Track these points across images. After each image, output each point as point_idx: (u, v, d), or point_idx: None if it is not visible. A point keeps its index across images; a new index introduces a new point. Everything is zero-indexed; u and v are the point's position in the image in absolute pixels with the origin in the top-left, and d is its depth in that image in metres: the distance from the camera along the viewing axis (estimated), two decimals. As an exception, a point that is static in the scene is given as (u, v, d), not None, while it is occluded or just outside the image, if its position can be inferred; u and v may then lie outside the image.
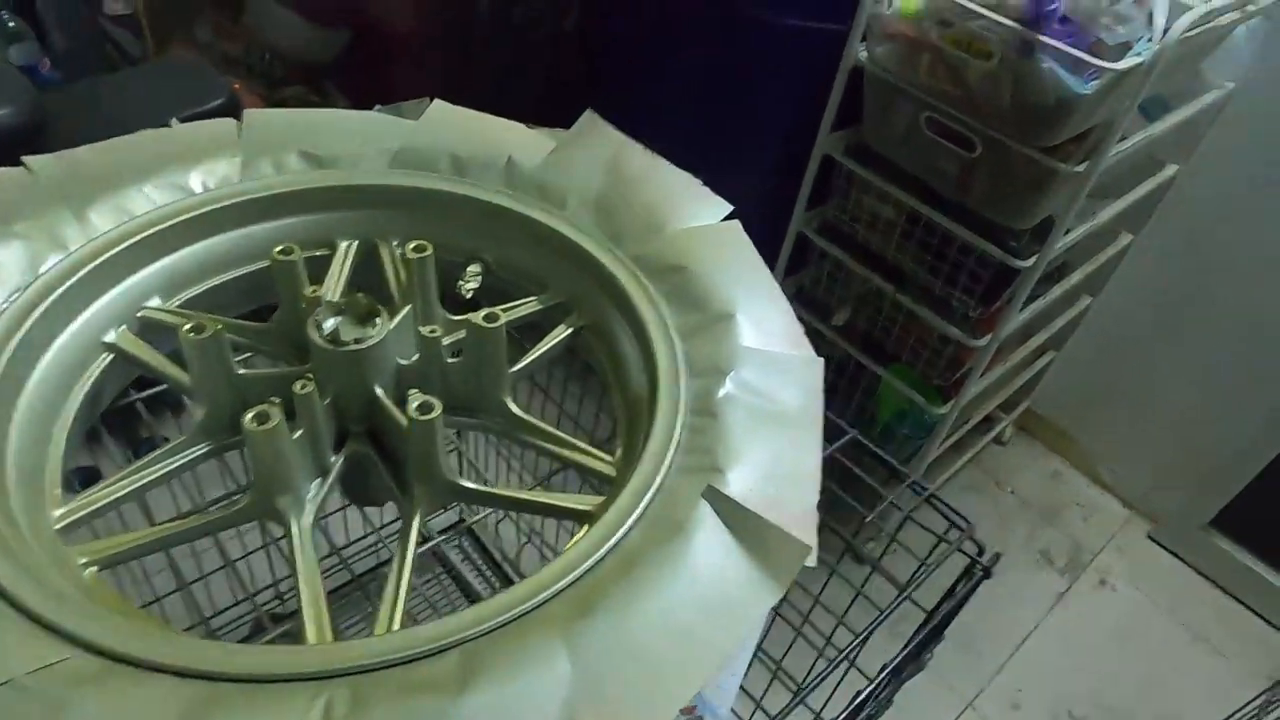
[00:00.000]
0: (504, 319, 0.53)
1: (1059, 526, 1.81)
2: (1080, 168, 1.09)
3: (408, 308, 0.53)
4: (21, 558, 0.40)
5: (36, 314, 0.50)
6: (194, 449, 0.50)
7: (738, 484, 0.45)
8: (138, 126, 0.63)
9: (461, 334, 0.59)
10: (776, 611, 0.71)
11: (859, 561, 0.83)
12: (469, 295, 0.64)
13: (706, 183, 1.65)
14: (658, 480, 0.45)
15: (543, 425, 0.55)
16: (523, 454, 1.16)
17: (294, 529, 0.47)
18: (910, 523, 0.72)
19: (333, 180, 0.63)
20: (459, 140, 0.67)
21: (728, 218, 0.64)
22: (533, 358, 0.58)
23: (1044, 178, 1.12)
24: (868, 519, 0.73)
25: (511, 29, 1.58)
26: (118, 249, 0.55)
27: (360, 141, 0.66)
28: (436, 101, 0.71)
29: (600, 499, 0.48)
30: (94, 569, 0.44)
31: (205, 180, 0.61)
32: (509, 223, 0.63)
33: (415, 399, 0.46)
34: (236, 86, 1.56)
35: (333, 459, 0.51)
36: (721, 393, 0.51)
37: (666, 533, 0.43)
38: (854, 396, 1.60)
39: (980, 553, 0.67)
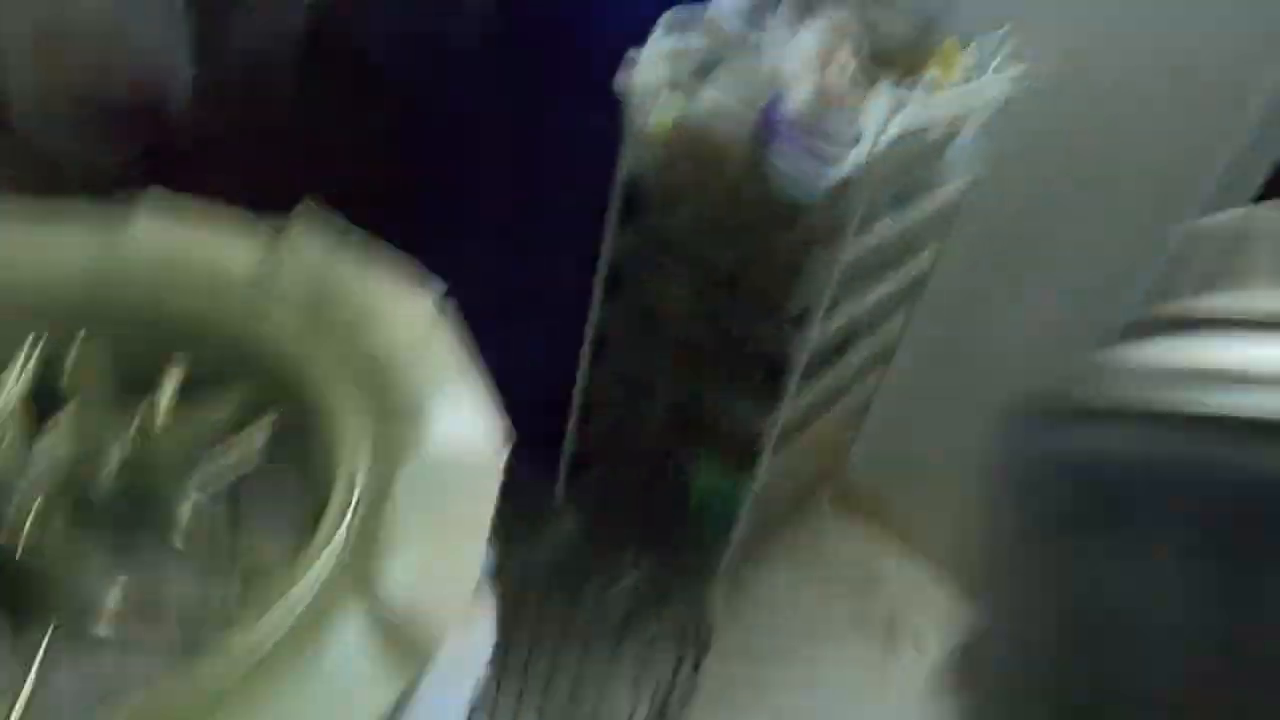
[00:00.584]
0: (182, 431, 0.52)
1: (879, 598, 1.89)
2: (826, 257, 1.20)
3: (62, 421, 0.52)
4: None
5: None
6: None
7: (388, 586, 0.46)
8: None
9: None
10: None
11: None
12: (164, 402, 0.63)
13: (514, 281, 1.67)
14: (311, 576, 0.45)
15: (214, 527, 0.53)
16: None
17: None
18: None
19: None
20: (166, 249, 0.67)
21: (436, 307, 0.66)
22: (221, 465, 0.57)
23: (792, 268, 1.22)
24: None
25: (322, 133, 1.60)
26: None
27: (52, 252, 0.64)
28: (150, 205, 0.70)
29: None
30: None
31: None
32: (203, 329, 0.63)
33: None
34: None
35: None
36: (395, 489, 0.51)
37: (304, 636, 0.43)
38: (666, 478, 1.64)
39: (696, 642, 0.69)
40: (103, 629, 0.47)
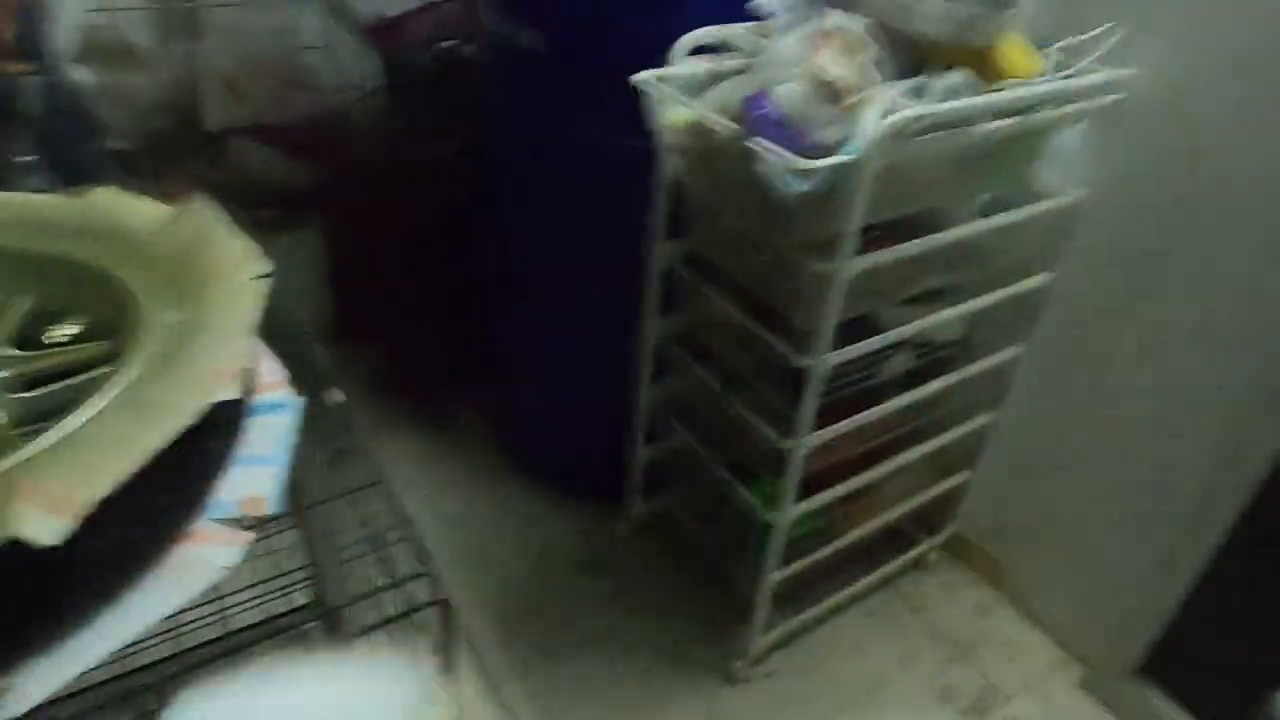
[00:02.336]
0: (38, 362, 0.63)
1: (973, 664, 1.66)
2: (827, 267, 1.10)
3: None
4: None
5: None
6: None
7: (34, 474, 0.52)
8: None
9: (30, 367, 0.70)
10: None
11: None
12: (47, 342, 0.75)
13: (574, 294, 1.74)
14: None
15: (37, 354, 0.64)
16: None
17: None
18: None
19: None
20: (94, 216, 0.80)
21: (264, 275, 0.72)
22: (41, 392, 0.67)
23: (802, 276, 1.14)
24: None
25: (411, 160, 1.79)
26: None
27: (17, 213, 0.80)
28: (104, 189, 0.85)
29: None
30: None
31: None
32: (96, 281, 0.75)
33: None
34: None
35: None
36: (113, 408, 0.58)
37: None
38: (724, 508, 1.58)
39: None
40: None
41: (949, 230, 1.22)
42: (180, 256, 0.75)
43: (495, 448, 2.07)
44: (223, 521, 0.67)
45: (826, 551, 1.55)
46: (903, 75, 1.17)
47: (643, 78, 1.22)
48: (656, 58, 1.29)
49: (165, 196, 1.84)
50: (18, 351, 0.71)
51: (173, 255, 0.75)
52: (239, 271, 0.72)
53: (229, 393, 0.61)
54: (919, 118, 1.02)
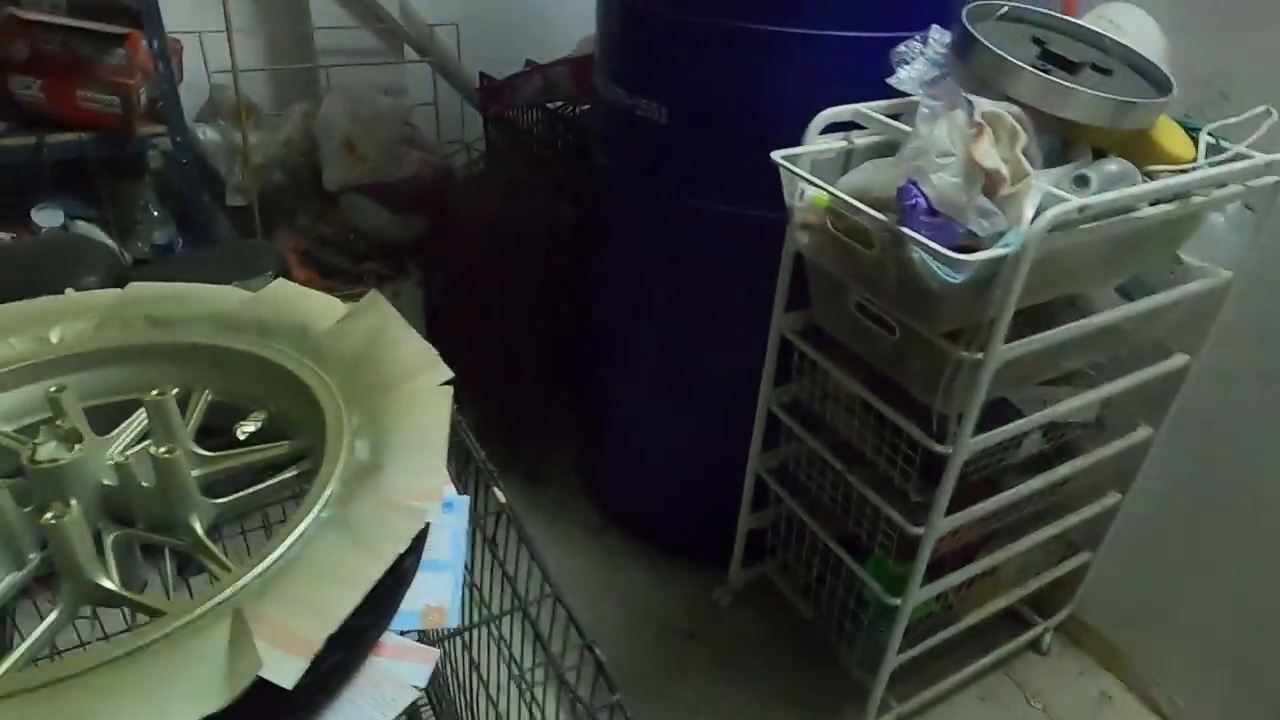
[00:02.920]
0: (225, 463, 0.65)
1: (1095, 759, 1.57)
2: (974, 355, 1.07)
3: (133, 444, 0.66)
4: None
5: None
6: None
7: (267, 607, 0.52)
8: None
9: (218, 466, 0.71)
10: None
11: None
12: (242, 437, 0.76)
13: (685, 359, 1.74)
14: (214, 600, 0.53)
15: (216, 552, 0.64)
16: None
17: (-38, 610, 0.58)
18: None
19: (154, 338, 0.79)
20: (272, 310, 0.82)
21: (447, 383, 0.72)
22: (238, 496, 0.68)
23: (946, 363, 1.11)
24: None
25: (520, 218, 1.80)
26: (-35, 384, 0.72)
27: (196, 308, 0.82)
28: (279, 280, 0.87)
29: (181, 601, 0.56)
30: None
31: (63, 333, 0.79)
32: (281, 378, 0.76)
33: (52, 509, 0.57)
34: (296, 260, 1.87)
35: (32, 556, 0.62)
36: (323, 528, 0.58)
37: (187, 636, 0.50)
38: (836, 582, 1.54)
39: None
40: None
41: (1097, 315, 1.17)
42: (358, 357, 0.76)
43: (591, 505, 2.06)
44: (407, 634, 0.67)
45: (946, 635, 1.49)
46: (1049, 157, 1.14)
47: (780, 157, 1.21)
48: (782, 131, 1.28)
49: (281, 250, 1.87)
50: (206, 452, 0.72)
51: (351, 355, 0.76)
52: (422, 378, 0.73)
53: (436, 512, 0.61)
54: (1082, 209, 0.99)
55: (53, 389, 0.69)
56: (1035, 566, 1.61)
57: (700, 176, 1.47)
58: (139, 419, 0.75)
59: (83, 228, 1.93)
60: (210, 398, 0.79)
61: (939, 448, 1.16)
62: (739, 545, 1.74)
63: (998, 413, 1.23)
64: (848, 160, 1.30)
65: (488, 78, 2.18)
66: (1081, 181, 1.03)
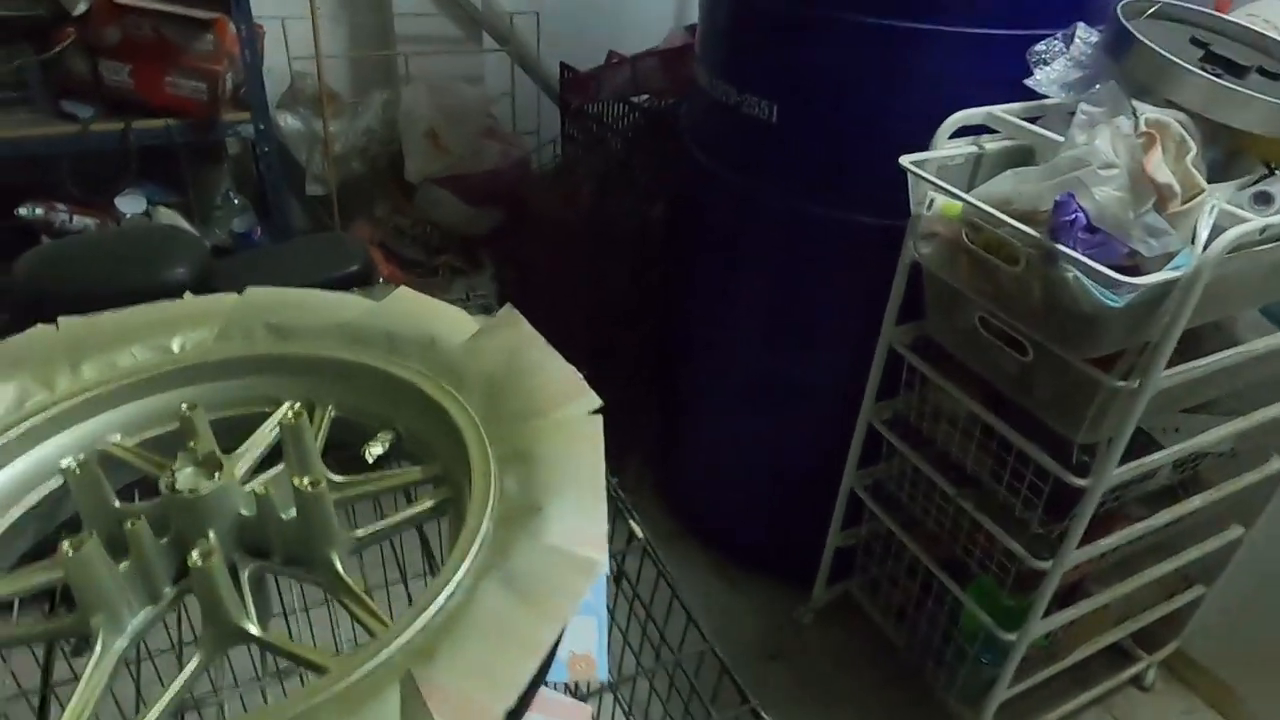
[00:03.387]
0: (354, 488, 0.60)
1: (1205, 805, 1.48)
2: (1130, 384, 0.99)
3: (270, 471, 0.62)
4: None
5: (3, 440, 0.64)
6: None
7: (439, 672, 0.47)
8: (289, 284, 0.79)
9: (349, 493, 0.67)
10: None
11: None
12: (371, 459, 0.71)
13: (778, 368, 1.67)
14: (377, 659, 0.48)
15: (356, 589, 0.59)
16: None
17: (100, 646, 0.54)
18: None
19: (278, 350, 0.74)
20: (400, 322, 0.77)
21: (597, 411, 0.67)
22: (376, 528, 0.63)
23: (1094, 391, 1.03)
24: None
25: (606, 214, 1.74)
26: (90, 394, 0.69)
27: (319, 318, 0.78)
28: (401, 289, 0.82)
29: (342, 656, 0.51)
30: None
31: (184, 343, 0.74)
32: (412, 397, 0.71)
33: (198, 548, 0.53)
34: (379, 254, 1.84)
35: (168, 590, 0.58)
36: (486, 580, 0.52)
37: (358, 699, 0.46)
38: (931, 606, 1.47)
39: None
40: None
41: (1256, 340, 1.08)
42: (497, 379, 0.70)
43: (663, 511, 2.00)
44: (557, 687, 0.61)
45: (1054, 669, 1.41)
46: (1213, 170, 1.05)
47: (910, 161, 1.13)
48: (901, 135, 1.21)
49: (358, 239, 1.83)
50: (337, 477, 0.68)
51: (488, 376, 0.71)
52: (570, 405, 0.67)
53: (605, 564, 0.55)
54: (1264, 230, 0.90)
55: (185, 408, 0.65)
56: (1145, 599, 1.52)
57: (808, 179, 1.39)
58: (264, 436, 0.71)
59: (164, 214, 1.92)
60: (334, 414, 0.74)
61: (1078, 480, 1.08)
62: (826, 562, 1.67)
63: (1134, 442, 1.15)
64: (975, 167, 1.22)
65: (570, 69, 2.13)
66: (1263, 199, 0.94)
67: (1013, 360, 1.14)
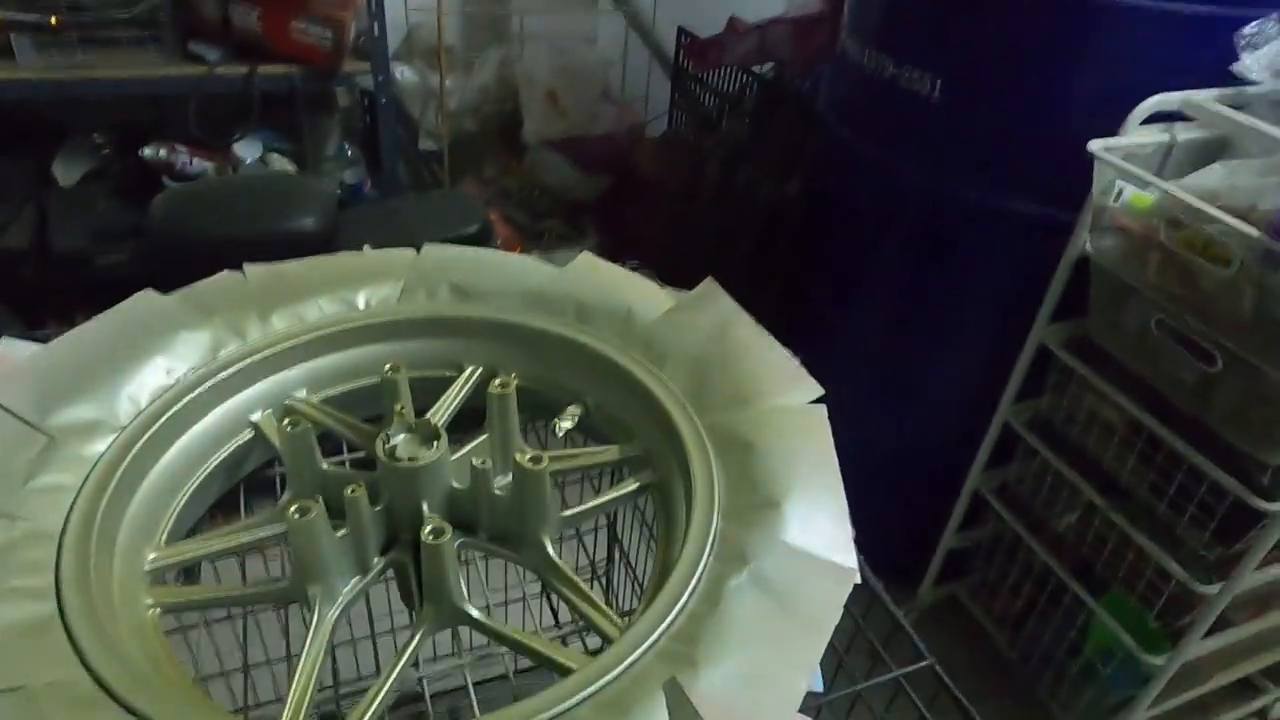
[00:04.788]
0: (557, 464, 0.56)
1: None
2: (1346, 404, 0.90)
3: (474, 441, 0.58)
4: (96, 591, 0.48)
5: (201, 390, 0.61)
6: (274, 525, 0.57)
7: (706, 682, 0.43)
8: (402, 242, 0.75)
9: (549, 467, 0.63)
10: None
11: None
12: (561, 434, 0.68)
13: (908, 359, 1.60)
14: (628, 660, 0.44)
15: (569, 574, 0.55)
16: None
17: (316, 616, 0.51)
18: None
19: (464, 311, 0.71)
20: (590, 290, 0.73)
21: (818, 400, 0.62)
22: (584, 508, 0.60)
23: (1297, 408, 0.94)
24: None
25: (735, 189, 1.68)
26: (280, 346, 0.66)
27: (504, 281, 0.74)
28: (584, 253, 0.77)
29: (586, 658, 0.47)
30: (156, 610, 0.51)
31: (369, 299, 0.71)
32: (607, 371, 0.67)
33: (430, 523, 0.50)
34: (493, 216, 1.80)
35: (376, 560, 0.55)
36: (734, 582, 0.48)
37: (619, 705, 0.42)
38: (1054, 618, 1.40)
39: None
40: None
41: None
42: (702, 359, 0.65)
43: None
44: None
45: (1186, 697, 1.33)
46: None
47: (1099, 147, 1.05)
48: (1079, 120, 1.12)
49: (475, 198, 1.79)
50: (544, 452, 0.64)
51: (693, 355, 0.66)
52: (790, 393, 0.62)
53: (856, 571, 0.50)
54: None
55: (388, 369, 0.62)
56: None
57: (965, 161, 1.31)
58: (451, 399, 0.67)
59: (277, 161, 1.91)
60: (518, 383, 0.71)
61: (1266, 504, 1.00)
62: (937, 562, 1.60)
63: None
64: (1166, 157, 1.13)
65: (688, 33, 2.05)
66: None
67: (1193, 368, 1.06)
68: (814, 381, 0.63)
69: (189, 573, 0.62)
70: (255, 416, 0.65)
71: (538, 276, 0.75)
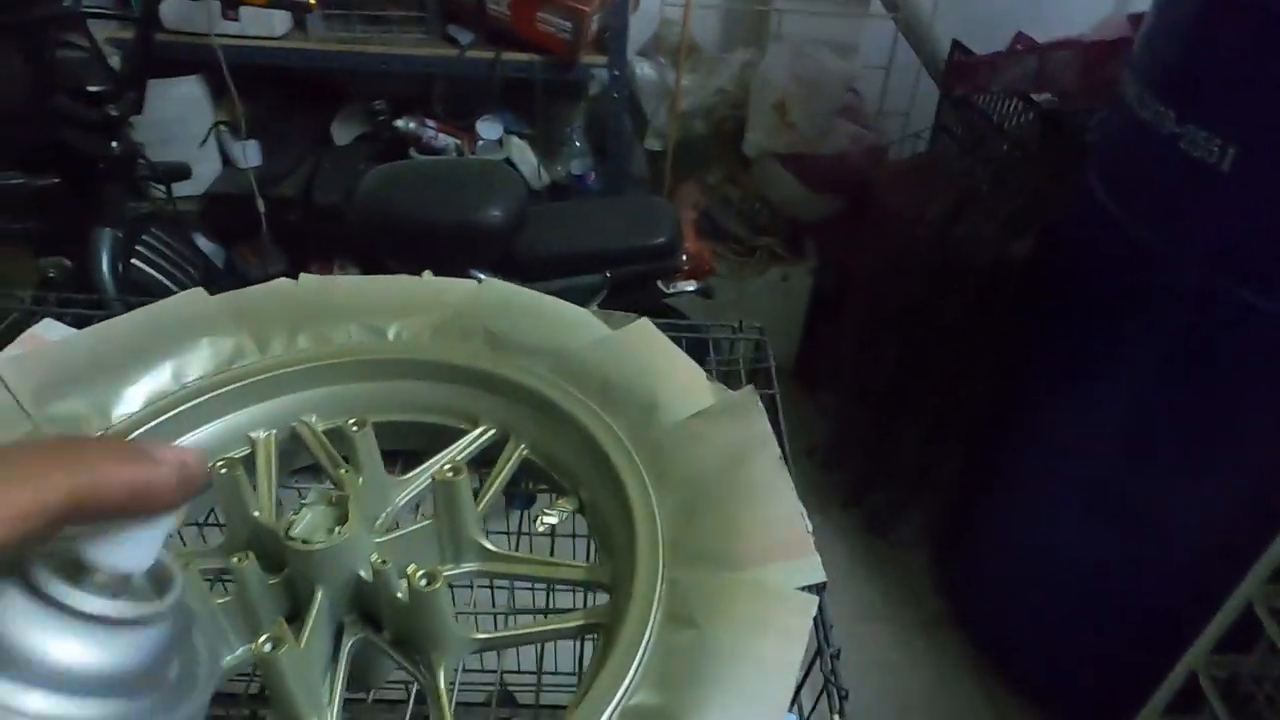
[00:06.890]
0: (497, 567, 0.49)
1: None
2: None
3: (415, 525, 0.52)
4: None
5: (199, 400, 0.61)
6: (207, 563, 0.55)
7: None
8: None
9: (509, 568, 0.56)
10: None
11: None
12: (543, 529, 0.59)
13: (1141, 486, 1.29)
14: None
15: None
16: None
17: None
18: None
19: (482, 364, 0.64)
20: (626, 367, 0.63)
21: (814, 589, 0.47)
22: (504, 635, 0.52)
23: None
24: None
25: (954, 236, 1.44)
26: (293, 368, 0.64)
27: (542, 337, 0.66)
28: (642, 321, 0.67)
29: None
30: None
31: (400, 332, 0.67)
32: (605, 473, 0.57)
33: (417, 571, 0.45)
34: (690, 229, 1.72)
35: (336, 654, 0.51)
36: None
37: None
38: None
39: None
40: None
41: None
42: (702, 491, 0.53)
43: (933, 587, 1.71)
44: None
45: None
46: None
47: None
48: None
49: (682, 205, 1.70)
50: (491, 546, 0.56)
51: (694, 482, 0.54)
52: (779, 567, 0.48)
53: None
54: None
55: (353, 424, 0.57)
56: None
57: (1254, 254, 1.00)
58: (445, 459, 0.61)
59: (515, 144, 1.98)
60: (525, 453, 0.63)
61: None
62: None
63: None
64: None
65: (962, 47, 1.80)
66: None
67: None
68: (817, 560, 0.48)
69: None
70: (256, 434, 0.64)
71: (579, 339, 0.66)
